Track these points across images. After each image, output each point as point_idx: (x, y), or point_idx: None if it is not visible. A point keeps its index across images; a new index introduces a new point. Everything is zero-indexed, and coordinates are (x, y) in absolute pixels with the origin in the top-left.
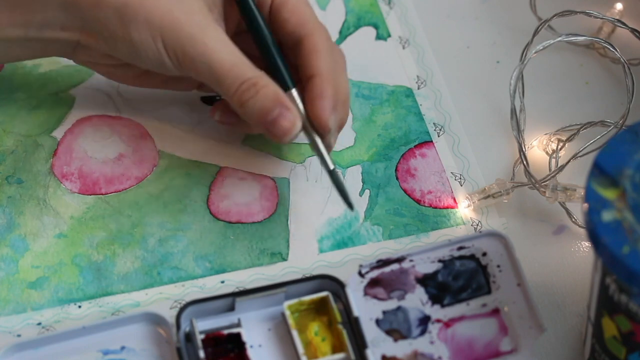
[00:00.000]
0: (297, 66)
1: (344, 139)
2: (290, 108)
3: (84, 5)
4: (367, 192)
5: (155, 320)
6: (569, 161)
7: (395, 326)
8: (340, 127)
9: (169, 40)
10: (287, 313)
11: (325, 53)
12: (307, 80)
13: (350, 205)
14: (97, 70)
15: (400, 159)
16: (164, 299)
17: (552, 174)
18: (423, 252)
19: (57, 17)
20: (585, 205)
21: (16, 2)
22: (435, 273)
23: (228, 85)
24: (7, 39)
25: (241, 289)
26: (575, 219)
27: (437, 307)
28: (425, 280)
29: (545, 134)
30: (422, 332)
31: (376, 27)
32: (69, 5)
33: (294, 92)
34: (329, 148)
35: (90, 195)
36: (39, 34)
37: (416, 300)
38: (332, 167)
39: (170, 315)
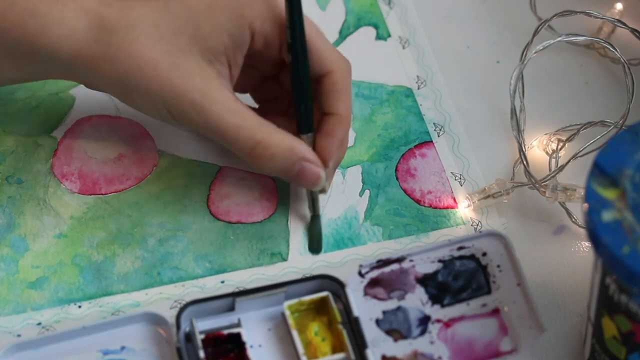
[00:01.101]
0: (316, 98)
1: None
2: (309, 158)
3: (84, 69)
4: (367, 192)
5: (155, 320)
6: (569, 161)
7: (395, 326)
8: (335, 167)
9: (171, 108)
10: (287, 313)
11: (345, 92)
12: (323, 114)
13: (314, 250)
14: None
15: (400, 159)
16: (164, 299)
17: (552, 174)
18: (423, 252)
19: (59, 71)
20: (585, 205)
21: (15, 55)
22: (435, 273)
23: (240, 149)
24: (10, 78)
25: (241, 289)
26: (575, 219)
27: (437, 307)
28: (425, 280)
29: (545, 134)
30: (422, 332)
31: (376, 27)
32: (69, 66)
33: (309, 135)
34: (322, 191)
35: (90, 195)
36: (43, 76)
37: (416, 300)
38: (318, 212)
39: (170, 315)
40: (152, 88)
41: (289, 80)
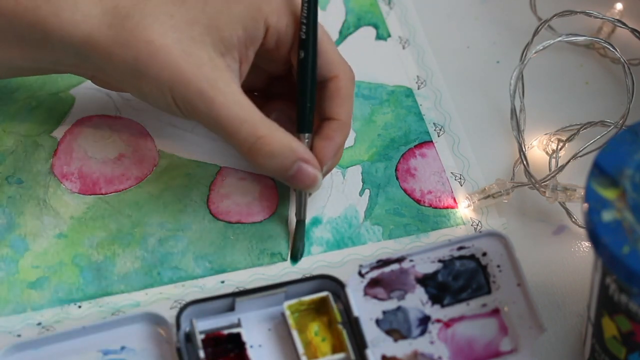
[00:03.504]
0: (318, 102)
1: None
2: (308, 159)
3: (95, 55)
4: (367, 192)
5: (155, 320)
6: (569, 161)
7: (395, 326)
8: (327, 173)
9: (178, 95)
10: (287, 313)
11: (348, 99)
12: (322, 119)
13: (294, 257)
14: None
15: (400, 159)
16: (164, 299)
17: (552, 174)
18: (423, 252)
19: (69, 59)
20: (585, 205)
21: (26, 41)
22: (435, 273)
23: (240, 143)
24: (18, 67)
25: (241, 289)
26: (575, 219)
27: (437, 307)
28: (425, 280)
29: (545, 134)
30: (422, 332)
31: (376, 27)
32: (80, 52)
33: (307, 135)
34: (308, 195)
35: (90, 195)
36: (51, 67)
37: (416, 300)
38: (302, 217)
39: (170, 315)
40: (161, 75)
41: (294, 82)
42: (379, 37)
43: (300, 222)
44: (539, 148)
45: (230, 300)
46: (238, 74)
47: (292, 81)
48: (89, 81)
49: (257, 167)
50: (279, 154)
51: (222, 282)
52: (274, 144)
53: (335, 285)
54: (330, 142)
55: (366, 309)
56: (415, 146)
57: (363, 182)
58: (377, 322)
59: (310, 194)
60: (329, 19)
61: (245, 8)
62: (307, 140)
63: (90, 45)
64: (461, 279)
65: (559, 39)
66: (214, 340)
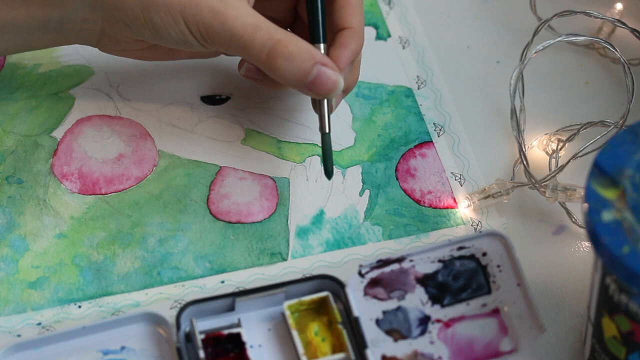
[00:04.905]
0: (329, 15)
1: (344, 139)
2: (327, 63)
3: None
4: (367, 192)
5: (155, 320)
6: (569, 161)
7: (395, 326)
8: (347, 90)
9: (189, 18)
10: (287, 313)
11: (358, 7)
12: (336, 31)
13: (328, 172)
14: (126, 56)
15: (400, 159)
16: (164, 299)
17: (552, 174)
18: (423, 252)
19: (77, 10)
20: (585, 205)
21: None
22: (435, 273)
23: (257, 50)
24: (26, 30)
25: (241, 289)
26: (575, 219)
27: (437, 307)
28: (425, 280)
29: (545, 134)
30: (422, 332)
31: (376, 27)
32: (88, 1)
33: (322, 46)
34: (330, 109)
35: (90, 195)
36: (59, 26)
37: (416, 300)
38: (327, 130)
39: (170, 315)
40: (171, 0)
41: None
42: (379, 37)
43: (326, 134)
44: (539, 148)
45: (230, 300)
46: None
47: (295, 30)
48: (89, 81)
49: (277, 74)
50: (297, 56)
51: (222, 282)
52: (291, 46)
53: (335, 285)
54: (346, 49)
55: (366, 309)
56: (415, 146)
57: (363, 182)
58: (377, 322)
59: (331, 107)
60: None
61: None
62: (322, 51)
63: None
64: (461, 279)
65: (559, 39)
66: (214, 340)
